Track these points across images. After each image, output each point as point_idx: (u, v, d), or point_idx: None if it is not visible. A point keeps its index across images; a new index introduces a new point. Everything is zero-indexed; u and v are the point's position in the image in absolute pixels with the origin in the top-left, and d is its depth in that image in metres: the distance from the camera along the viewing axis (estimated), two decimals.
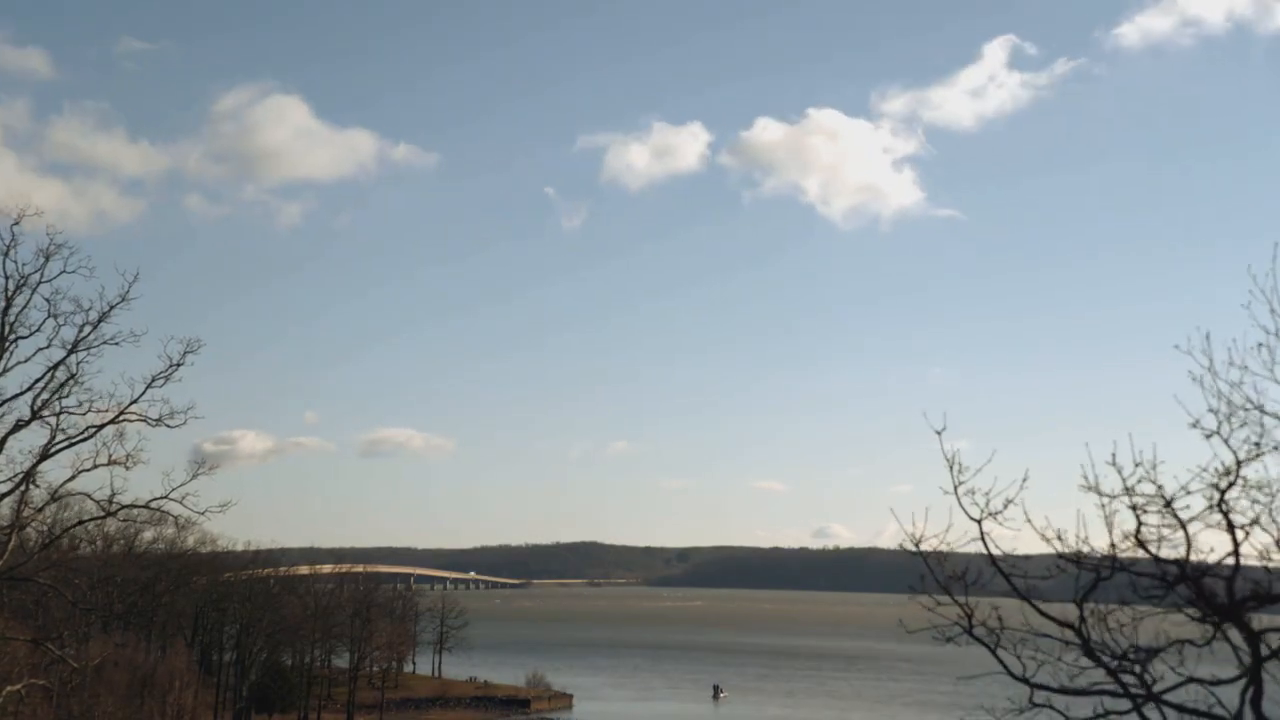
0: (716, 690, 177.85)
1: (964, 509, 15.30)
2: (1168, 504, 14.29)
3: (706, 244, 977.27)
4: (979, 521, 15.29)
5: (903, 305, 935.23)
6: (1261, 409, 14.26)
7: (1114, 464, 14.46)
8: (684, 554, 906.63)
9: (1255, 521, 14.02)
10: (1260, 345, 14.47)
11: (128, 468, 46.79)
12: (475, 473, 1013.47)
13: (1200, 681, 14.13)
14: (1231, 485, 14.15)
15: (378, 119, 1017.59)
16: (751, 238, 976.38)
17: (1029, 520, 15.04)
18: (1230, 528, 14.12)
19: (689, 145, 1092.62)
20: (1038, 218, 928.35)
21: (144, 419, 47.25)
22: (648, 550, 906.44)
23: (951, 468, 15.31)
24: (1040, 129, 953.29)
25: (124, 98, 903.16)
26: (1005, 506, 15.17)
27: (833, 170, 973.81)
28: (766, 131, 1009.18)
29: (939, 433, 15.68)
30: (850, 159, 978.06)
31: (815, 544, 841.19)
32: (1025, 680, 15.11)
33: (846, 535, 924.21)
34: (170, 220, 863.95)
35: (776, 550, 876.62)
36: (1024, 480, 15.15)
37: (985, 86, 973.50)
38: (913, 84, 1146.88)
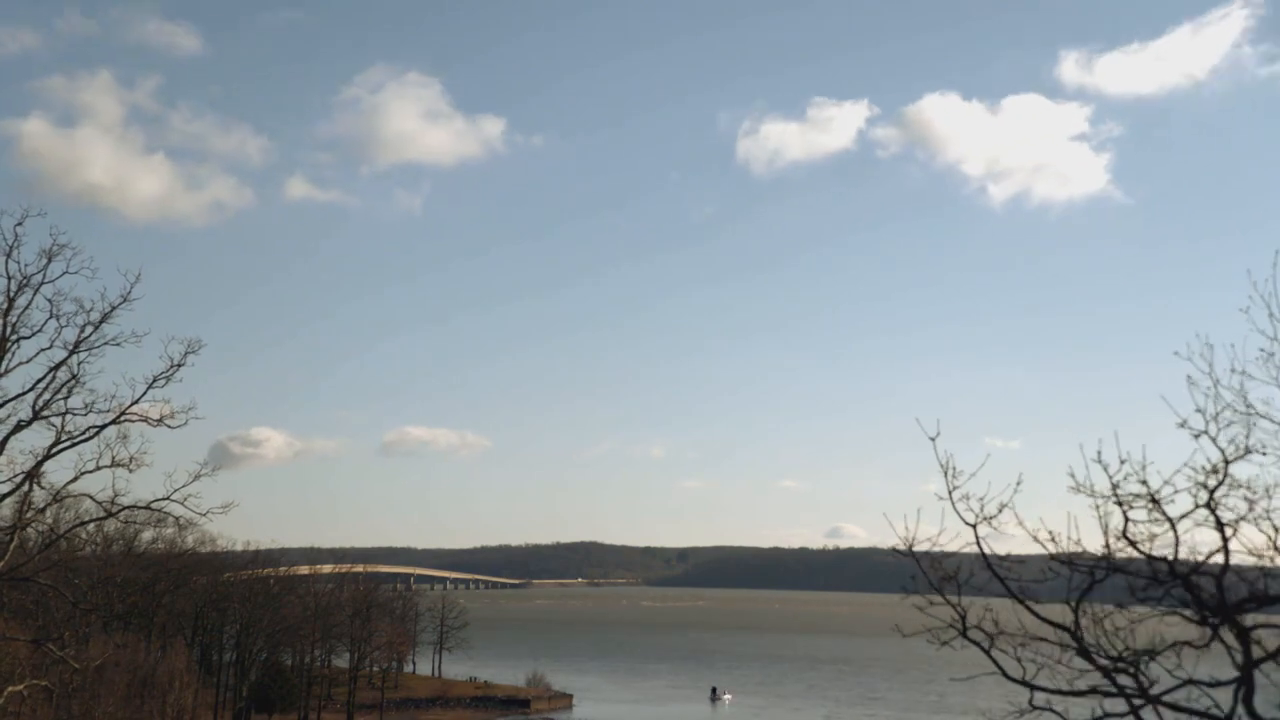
0: (715, 692, 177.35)
1: (959, 514, 15.40)
2: (1154, 501, 14.40)
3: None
4: (974, 526, 15.40)
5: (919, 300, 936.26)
6: (1249, 408, 14.39)
7: (1100, 461, 14.57)
8: (684, 554, 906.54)
9: (1243, 519, 14.14)
10: (1262, 351, 14.55)
11: (131, 469, 46.91)
12: (476, 473, 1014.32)
13: (1197, 683, 14.22)
14: (1220, 484, 14.27)
15: (505, 106, 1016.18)
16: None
17: (1022, 524, 15.15)
18: (1219, 525, 14.24)
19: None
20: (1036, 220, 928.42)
21: (145, 419, 47.36)
22: (648, 550, 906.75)
23: (946, 473, 15.41)
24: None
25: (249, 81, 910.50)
26: (1000, 510, 15.29)
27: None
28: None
29: (933, 438, 15.76)
30: None
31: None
32: (1020, 681, 15.20)
33: (862, 535, 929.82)
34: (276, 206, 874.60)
35: (776, 550, 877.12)
36: (1017, 484, 15.27)
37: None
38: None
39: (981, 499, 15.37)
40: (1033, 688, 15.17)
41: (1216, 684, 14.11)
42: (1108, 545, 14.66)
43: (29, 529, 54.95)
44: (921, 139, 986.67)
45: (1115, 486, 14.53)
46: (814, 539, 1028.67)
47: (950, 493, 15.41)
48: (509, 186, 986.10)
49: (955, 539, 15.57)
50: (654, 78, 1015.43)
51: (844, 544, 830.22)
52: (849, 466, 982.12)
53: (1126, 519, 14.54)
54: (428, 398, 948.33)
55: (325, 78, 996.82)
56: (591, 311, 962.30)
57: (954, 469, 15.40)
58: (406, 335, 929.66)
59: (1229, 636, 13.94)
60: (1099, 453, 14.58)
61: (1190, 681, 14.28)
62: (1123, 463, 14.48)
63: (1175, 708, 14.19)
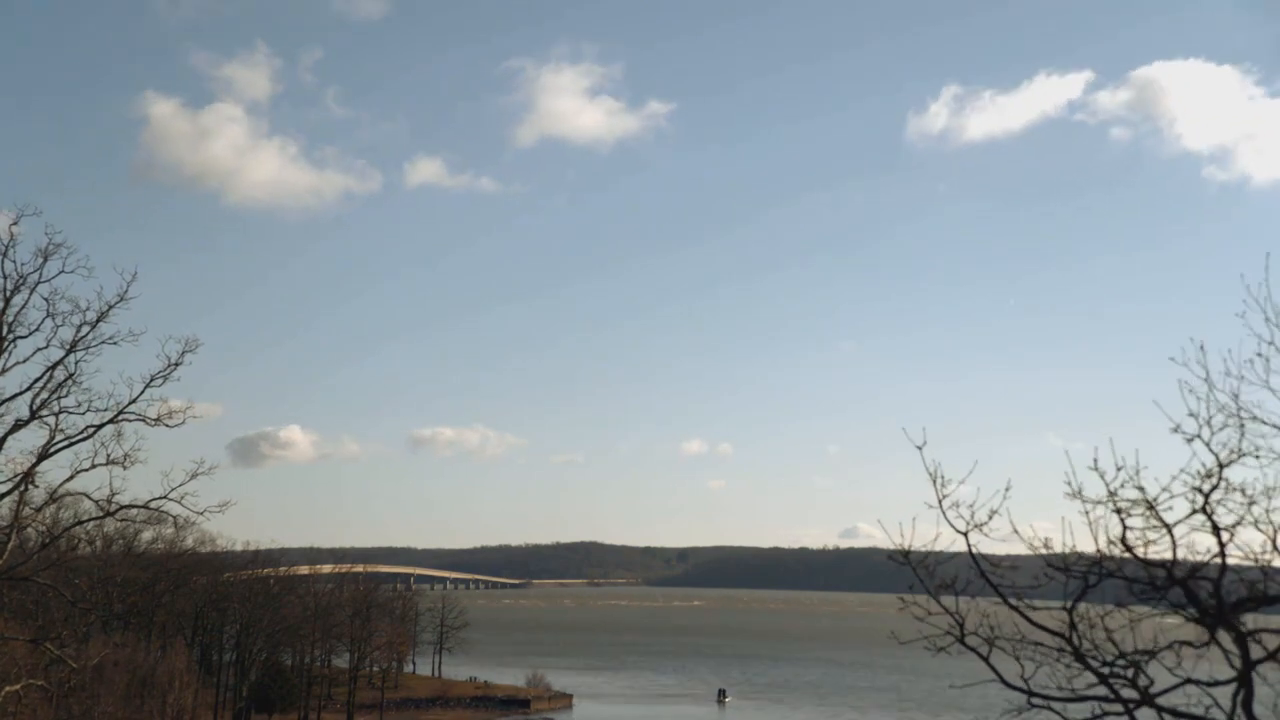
0: (722, 694, 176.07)
1: (949, 522, 15.35)
2: (1150, 506, 14.34)
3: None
4: (965, 534, 15.34)
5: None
6: (1240, 412, 14.32)
7: (1096, 468, 14.51)
8: (684, 554, 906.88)
9: (1240, 523, 14.08)
10: (1258, 355, 14.50)
11: (125, 467, 46.83)
12: (476, 473, 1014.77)
13: (1195, 683, 14.16)
14: (1215, 488, 14.21)
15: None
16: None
17: (1015, 531, 15.10)
18: (1215, 529, 14.18)
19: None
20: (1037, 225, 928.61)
21: (143, 419, 47.30)
22: (648, 550, 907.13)
23: (934, 481, 15.35)
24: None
25: None
26: (990, 517, 15.23)
27: None
28: None
29: (920, 447, 15.68)
30: None
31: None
32: (1018, 688, 15.14)
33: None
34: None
35: (776, 550, 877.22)
36: (1006, 490, 15.21)
37: None
38: None
39: (971, 505, 15.33)
40: (1032, 693, 15.10)
41: (1213, 684, 14.04)
42: (1099, 550, 14.59)
43: (27, 528, 54.96)
44: None
45: (1113, 494, 14.46)
46: (829, 539, 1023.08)
47: (940, 500, 15.36)
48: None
49: (952, 544, 15.52)
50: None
51: (844, 544, 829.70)
52: (867, 465, 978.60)
53: (1124, 526, 14.47)
54: (428, 398, 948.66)
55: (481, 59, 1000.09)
56: (597, 311, 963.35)
57: (942, 476, 15.35)
58: (407, 337, 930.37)
59: (1226, 640, 13.87)
60: (1095, 460, 14.53)
61: (1188, 681, 14.20)
62: (1119, 469, 14.42)
63: (1173, 711, 14.11)
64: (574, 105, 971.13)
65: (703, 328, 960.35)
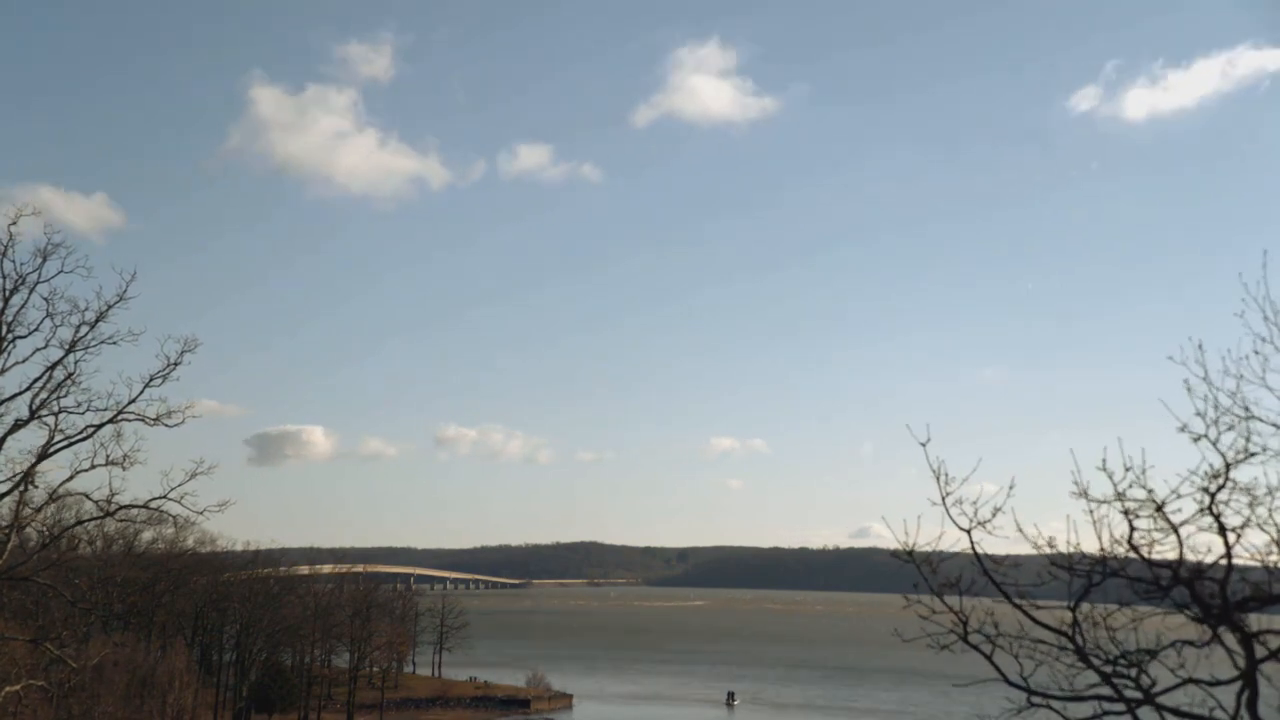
0: (730, 697, 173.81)
1: (953, 520, 15.32)
2: (1159, 508, 14.31)
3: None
4: (968, 531, 15.30)
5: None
6: (1247, 412, 14.28)
7: (1104, 469, 14.48)
8: (684, 554, 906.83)
9: (1247, 523, 14.04)
10: (1256, 353, 14.48)
11: (125, 468, 46.80)
12: (476, 473, 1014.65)
13: (1197, 682, 14.13)
14: (1221, 488, 14.17)
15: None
16: None
17: (1020, 529, 15.06)
18: (1222, 530, 14.13)
19: None
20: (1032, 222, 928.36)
21: (142, 419, 47.26)
22: (648, 550, 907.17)
23: (938, 479, 15.32)
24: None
25: None
26: (994, 515, 15.20)
27: None
28: None
29: (924, 444, 15.66)
30: None
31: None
32: (1021, 686, 15.11)
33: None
34: None
35: (776, 550, 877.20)
36: (1010, 488, 15.18)
37: None
38: None
39: (975, 503, 15.30)
40: (1034, 693, 15.06)
41: (1216, 683, 14.00)
42: (1103, 549, 14.55)
43: (27, 528, 54.90)
44: None
45: (1121, 495, 14.41)
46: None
47: (944, 498, 15.33)
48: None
49: (956, 543, 15.50)
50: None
51: (846, 545, 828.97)
52: (882, 464, 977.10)
53: (1132, 526, 14.43)
54: (428, 398, 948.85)
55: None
56: (598, 311, 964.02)
57: (946, 474, 15.33)
58: (406, 337, 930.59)
59: (1231, 640, 13.83)
60: (1104, 460, 14.49)
61: (1191, 681, 14.16)
62: (1128, 470, 14.38)
63: (1175, 711, 14.07)
64: (705, 85, 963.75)
65: (725, 323, 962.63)
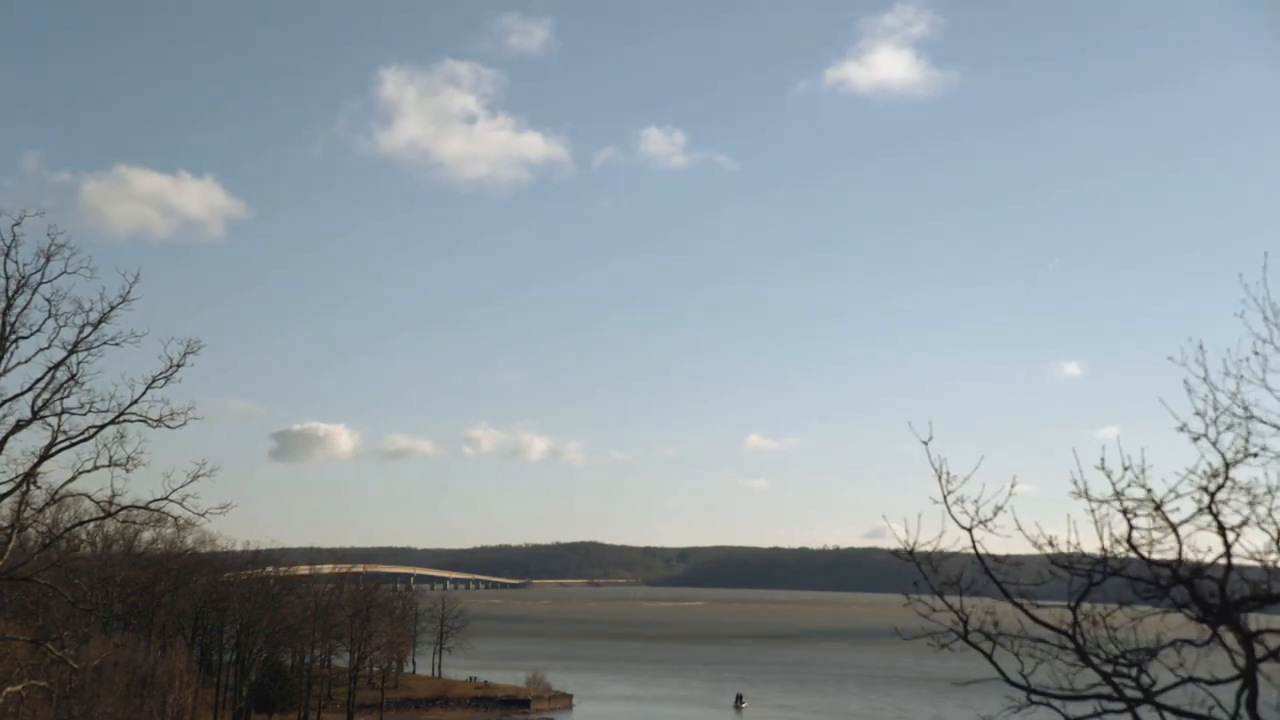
0: (739, 700, 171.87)
1: (954, 518, 15.37)
2: (1158, 507, 14.36)
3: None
4: (969, 530, 15.36)
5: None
6: (1247, 411, 14.34)
7: (1103, 468, 14.54)
8: (684, 554, 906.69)
9: (1245, 522, 14.09)
10: (1256, 354, 14.53)
11: (128, 469, 46.88)
12: (476, 473, 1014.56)
13: (1196, 681, 14.18)
14: (1221, 487, 14.22)
15: None
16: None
17: (1020, 528, 15.11)
18: (1221, 529, 14.18)
19: None
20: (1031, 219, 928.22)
21: (144, 419, 47.33)
22: (648, 550, 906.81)
23: (940, 477, 15.38)
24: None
25: None
26: (995, 514, 15.26)
27: None
28: None
29: (926, 442, 15.72)
30: None
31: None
32: (1021, 685, 15.16)
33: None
34: None
35: (776, 550, 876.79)
36: (1012, 486, 15.24)
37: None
38: None
39: (976, 502, 15.35)
40: (1034, 691, 15.12)
41: (1215, 682, 14.05)
42: (1104, 549, 14.60)
43: (28, 529, 54.94)
44: None
45: (1120, 494, 14.47)
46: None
47: (945, 496, 15.38)
48: None
49: (956, 542, 15.55)
50: None
51: (854, 545, 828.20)
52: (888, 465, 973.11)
53: (1131, 526, 14.49)
54: (428, 398, 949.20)
55: None
56: (595, 309, 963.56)
57: (948, 473, 15.38)
58: (405, 336, 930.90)
59: (1231, 639, 13.88)
60: (1103, 460, 14.55)
61: (1189, 680, 14.22)
62: (1126, 469, 14.44)
63: (1175, 710, 14.13)
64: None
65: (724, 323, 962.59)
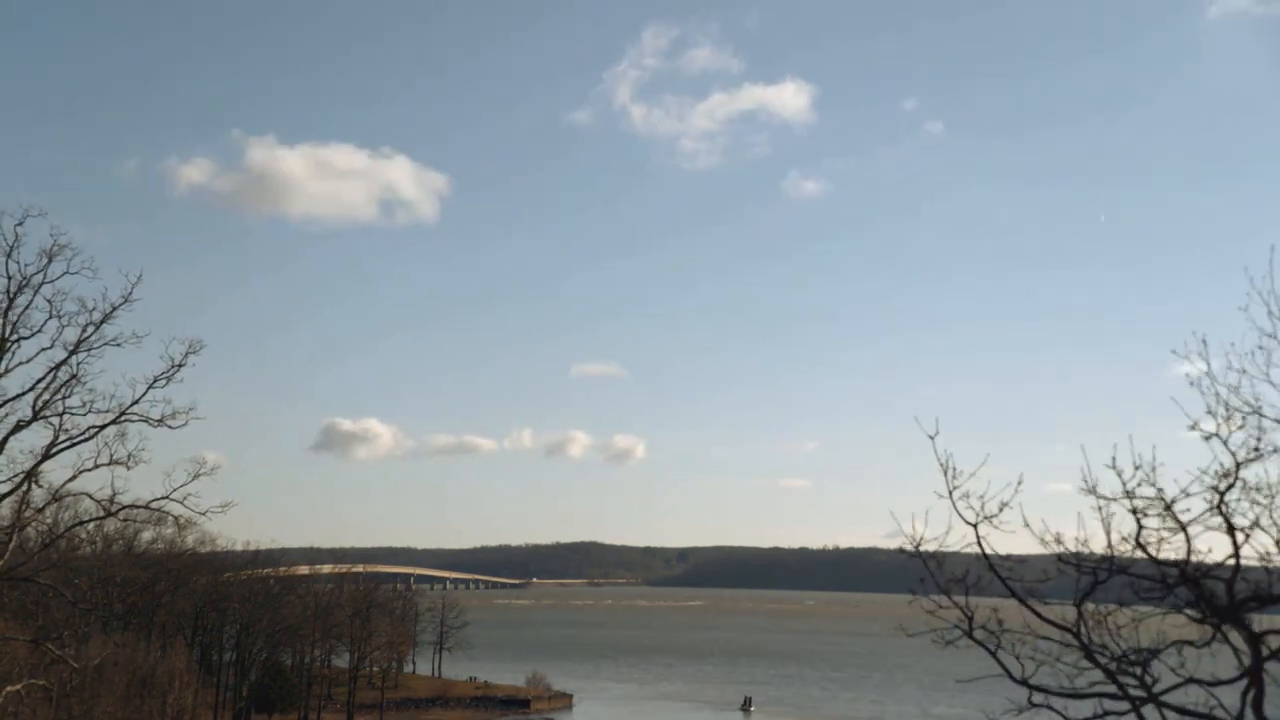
0: (748, 702, 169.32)
1: (959, 513, 15.29)
2: (1168, 507, 14.29)
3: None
4: (974, 525, 15.28)
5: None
6: (1259, 412, 14.27)
7: (1114, 467, 14.47)
8: (684, 554, 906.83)
9: (1256, 523, 14.01)
10: (1259, 348, 14.48)
11: (129, 467, 46.89)
12: (476, 473, 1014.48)
13: (1199, 682, 14.12)
14: (1231, 487, 14.15)
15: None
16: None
17: (1026, 524, 15.04)
18: (1230, 530, 14.11)
19: None
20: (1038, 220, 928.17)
21: (145, 420, 47.34)
22: (648, 550, 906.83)
23: (946, 472, 15.30)
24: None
25: None
26: (1000, 510, 15.18)
27: None
28: None
29: (932, 437, 15.63)
30: None
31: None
32: (1025, 683, 15.10)
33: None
34: None
35: (776, 550, 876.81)
36: (1019, 483, 15.16)
37: None
38: None
39: (982, 497, 15.28)
40: (1038, 690, 15.06)
41: (1219, 683, 13.99)
42: (1111, 546, 14.54)
43: (29, 529, 54.93)
44: None
45: (1130, 494, 14.39)
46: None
47: (950, 492, 15.30)
48: None
49: (960, 540, 15.47)
50: None
51: (844, 544, 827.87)
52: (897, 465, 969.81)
53: (1140, 525, 14.41)
54: (428, 397, 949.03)
55: None
56: (595, 307, 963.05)
57: (954, 468, 15.31)
58: (402, 335, 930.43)
59: (1238, 640, 13.81)
60: (1114, 459, 14.47)
61: (1192, 680, 14.16)
62: (1137, 468, 14.35)
63: (1178, 709, 14.07)
64: None
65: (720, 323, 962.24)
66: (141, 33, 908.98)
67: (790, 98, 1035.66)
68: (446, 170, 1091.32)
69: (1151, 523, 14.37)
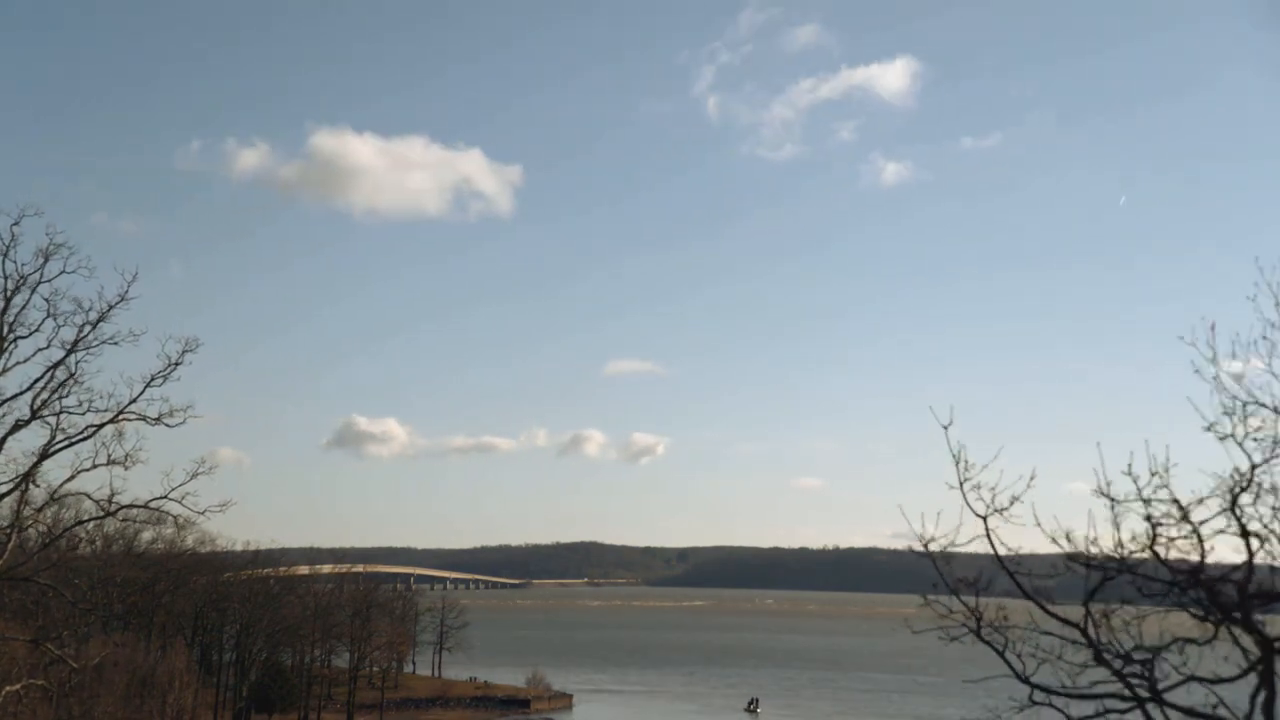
0: (753, 703, 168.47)
1: (969, 505, 15.15)
2: (1184, 517, 14.11)
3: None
4: (984, 518, 15.14)
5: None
6: (1277, 410, 14.13)
7: (1130, 474, 14.29)
8: (684, 554, 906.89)
9: (1269, 527, 13.87)
10: (1264, 338, 14.37)
11: (126, 467, 46.76)
12: (476, 473, 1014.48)
13: (1203, 681, 14.00)
14: (1244, 490, 14.00)
15: None
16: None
17: (1038, 522, 14.90)
18: (1244, 532, 13.97)
19: None
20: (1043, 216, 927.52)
21: (143, 418, 47.20)
22: (648, 550, 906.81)
23: (957, 463, 15.16)
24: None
25: None
26: (1011, 503, 15.03)
27: None
28: None
29: (946, 427, 15.49)
30: None
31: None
32: (1031, 682, 14.99)
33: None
34: None
35: (776, 550, 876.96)
36: (1031, 478, 15.03)
37: None
38: None
39: (993, 489, 15.12)
40: (1044, 689, 14.95)
41: (1223, 681, 13.88)
42: (1120, 545, 14.40)
43: (28, 528, 54.80)
44: None
45: (1146, 502, 14.22)
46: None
47: (961, 483, 15.15)
48: None
49: (968, 537, 15.34)
50: None
51: (844, 544, 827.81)
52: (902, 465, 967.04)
53: (1155, 531, 14.25)
54: (430, 396, 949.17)
55: None
56: (592, 307, 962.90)
57: (966, 460, 15.16)
58: (408, 333, 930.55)
59: (1248, 642, 13.67)
60: (1130, 465, 14.31)
61: (1196, 679, 14.04)
62: (1153, 474, 14.19)
63: (1184, 709, 13.95)
64: None
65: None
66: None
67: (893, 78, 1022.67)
68: (520, 162, 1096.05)
69: (1167, 530, 14.22)
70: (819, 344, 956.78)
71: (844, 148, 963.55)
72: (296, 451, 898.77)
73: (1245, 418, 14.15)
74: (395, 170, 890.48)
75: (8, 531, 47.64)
